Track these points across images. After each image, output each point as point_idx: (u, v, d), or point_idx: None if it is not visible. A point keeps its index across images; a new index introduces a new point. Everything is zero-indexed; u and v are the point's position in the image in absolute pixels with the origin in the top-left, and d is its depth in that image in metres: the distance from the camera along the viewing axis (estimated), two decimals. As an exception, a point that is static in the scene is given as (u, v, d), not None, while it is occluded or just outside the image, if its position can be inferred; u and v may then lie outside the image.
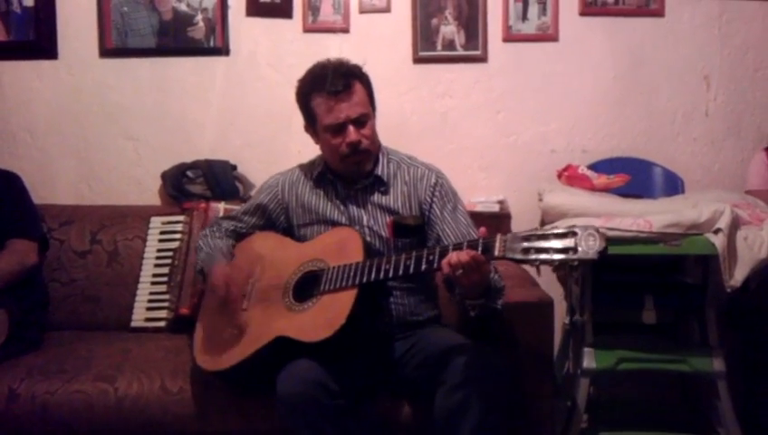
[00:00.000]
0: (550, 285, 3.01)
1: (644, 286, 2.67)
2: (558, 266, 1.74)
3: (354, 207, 2.28)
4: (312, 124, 2.27)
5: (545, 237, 1.72)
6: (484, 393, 1.93)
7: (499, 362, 2.04)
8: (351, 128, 2.17)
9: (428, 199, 2.25)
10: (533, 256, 1.72)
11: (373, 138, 2.24)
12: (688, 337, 2.80)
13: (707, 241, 2.43)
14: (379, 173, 2.27)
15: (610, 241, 2.38)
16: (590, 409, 2.69)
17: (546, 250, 1.71)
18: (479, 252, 1.82)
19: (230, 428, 2.22)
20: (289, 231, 2.37)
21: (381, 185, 2.28)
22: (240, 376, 2.15)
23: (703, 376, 2.66)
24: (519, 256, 1.75)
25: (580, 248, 1.67)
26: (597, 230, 1.68)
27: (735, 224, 2.47)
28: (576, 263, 1.70)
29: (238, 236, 2.41)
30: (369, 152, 2.23)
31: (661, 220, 2.44)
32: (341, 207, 2.28)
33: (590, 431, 2.74)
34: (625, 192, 2.83)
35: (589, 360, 2.59)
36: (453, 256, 1.83)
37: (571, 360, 2.93)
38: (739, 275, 2.44)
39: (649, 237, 2.44)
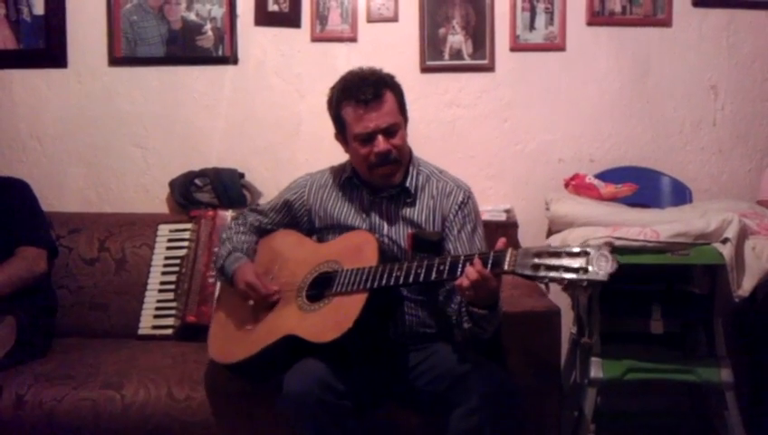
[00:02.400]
0: (557, 294, 3.00)
1: (651, 296, 2.66)
2: (567, 286, 1.74)
3: (377, 216, 2.27)
4: (341, 132, 2.26)
5: (557, 255, 1.71)
6: (499, 417, 1.94)
7: (514, 384, 2.04)
8: (381, 137, 2.16)
9: (451, 217, 2.24)
10: (543, 274, 1.72)
11: (403, 147, 2.23)
12: (696, 347, 2.78)
13: (715, 251, 2.42)
14: (408, 185, 2.25)
15: (618, 250, 2.42)
16: (598, 419, 2.68)
17: (556, 268, 1.70)
18: (489, 265, 1.82)
19: (236, 435, 2.22)
20: (311, 232, 2.38)
21: (408, 196, 2.26)
22: (249, 371, 2.16)
23: (711, 386, 2.65)
24: (528, 272, 1.75)
25: (590, 269, 1.66)
26: (611, 252, 1.67)
27: (743, 234, 2.46)
28: (585, 284, 1.68)
29: (261, 232, 2.42)
30: (398, 162, 2.21)
31: (669, 230, 2.44)
32: (364, 215, 2.28)
33: (598, 441, 2.73)
34: (632, 202, 2.83)
35: (596, 370, 2.58)
36: (462, 278, 1.84)
37: (578, 369, 2.92)
38: (747, 285, 2.43)
39: (657, 247, 2.43)
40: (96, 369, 2.38)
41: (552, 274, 1.71)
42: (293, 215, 2.39)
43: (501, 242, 1.88)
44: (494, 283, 1.87)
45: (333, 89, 2.26)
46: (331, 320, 2.00)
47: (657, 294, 2.69)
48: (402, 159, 2.23)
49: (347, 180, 2.32)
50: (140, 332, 2.77)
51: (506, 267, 1.79)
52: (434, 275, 1.92)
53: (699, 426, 2.95)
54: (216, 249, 2.57)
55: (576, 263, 1.68)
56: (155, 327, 2.77)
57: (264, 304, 2.20)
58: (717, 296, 2.61)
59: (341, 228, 2.28)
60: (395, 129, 2.19)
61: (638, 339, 2.71)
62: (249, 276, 2.21)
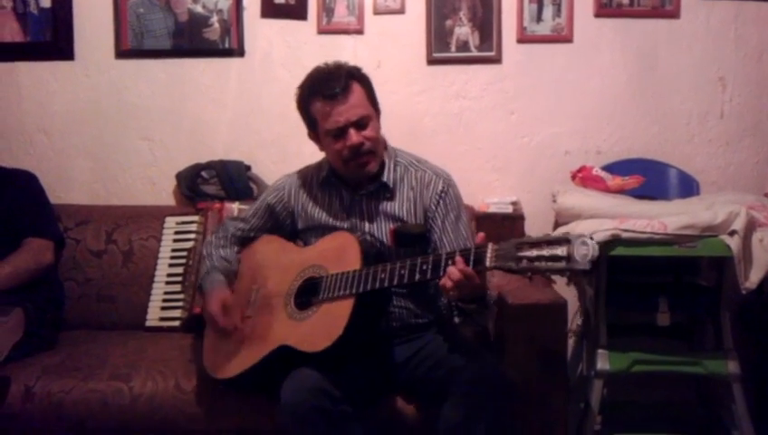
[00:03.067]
0: (563, 286, 3.00)
1: (658, 288, 2.66)
2: (550, 277, 1.74)
3: (358, 214, 2.25)
4: (314, 130, 2.24)
5: (538, 245, 1.71)
6: (491, 407, 1.93)
7: (506, 372, 2.03)
8: (352, 131, 2.14)
9: (433, 207, 2.22)
10: (525, 265, 1.71)
11: (377, 139, 2.20)
12: (703, 339, 2.79)
13: (722, 243, 2.42)
14: (385, 179, 2.23)
15: (625, 243, 2.43)
16: (604, 411, 2.68)
17: (538, 259, 1.69)
18: (471, 262, 1.81)
19: (244, 427, 2.23)
20: (294, 235, 2.37)
21: (387, 191, 2.24)
22: (247, 383, 2.16)
23: (717, 378, 2.65)
24: (511, 266, 1.74)
25: (572, 257, 1.65)
26: (591, 238, 1.65)
27: (751, 226, 2.46)
28: (567, 274, 1.68)
29: (243, 241, 2.41)
30: (373, 153, 2.18)
31: (676, 222, 2.44)
32: (345, 214, 2.26)
33: (604, 433, 2.74)
34: (639, 194, 2.82)
35: (602, 362, 2.58)
36: (444, 279, 1.83)
37: (584, 361, 2.92)
38: (754, 277, 2.43)
39: (664, 239, 2.43)
40: (104, 361, 2.39)
41: (535, 264, 1.70)
42: (276, 218, 2.38)
43: (480, 237, 1.87)
44: (477, 280, 1.85)
45: (301, 87, 2.25)
46: (321, 328, 1.99)
47: (664, 287, 2.69)
48: (377, 149, 2.20)
49: (325, 180, 2.30)
50: (148, 324, 2.78)
51: (488, 263, 1.78)
52: (417, 276, 1.90)
53: (706, 418, 2.95)
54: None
55: (558, 251, 1.67)
56: (162, 319, 2.78)
57: (252, 312, 2.20)
58: (724, 288, 2.62)
59: (324, 229, 2.26)
60: (365, 121, 2.16)
61: (644, 331, 2.71)
62: (212, 306, 2.20)
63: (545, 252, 1.69)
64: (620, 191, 2.81)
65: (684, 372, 2.66)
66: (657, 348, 2.63)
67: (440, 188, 2.23)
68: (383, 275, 1.95)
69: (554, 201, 2.81)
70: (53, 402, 2.24)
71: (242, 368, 2.11)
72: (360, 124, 2.15)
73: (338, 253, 2.10)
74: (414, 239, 2.18)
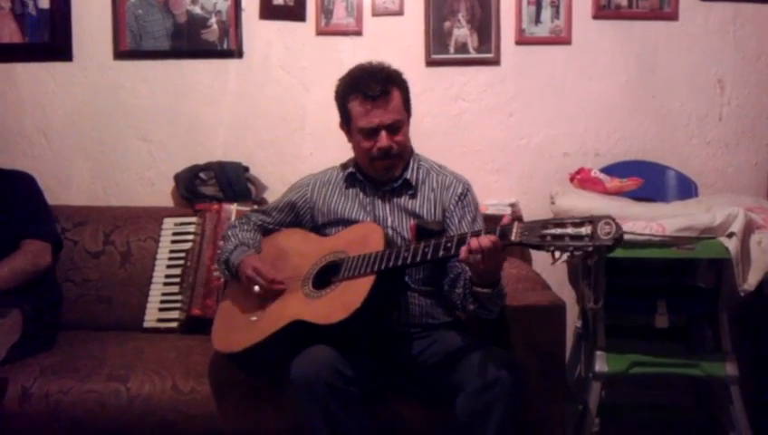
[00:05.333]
0: (562, 288, 3.01)
1: (657, 290, 2.66)
2: (573, 252, 1.75)
3: (380, 209, 2.30)
4: (346, 123, 2.30)
5: (562, 225, 1.75)
6: (505, 396, 1.95)
7: (517, 363, 2.06)
8: (384, 133, 2.21)
9: (452, 207, 2.29)
10: (550, 242, 1.75)
11: (405, 144, 2.28)
12: (701, 341, 2.79)
13: (721, 245, 2.42)
14: (408, 177, 2.30)
15: (623, 245, 2.42)
16: (602, 413, 2.68)
17: (562, 237, 1.73)
18: (497, 235, 1.84)
19: (242, 428, 2.23)
20: (314, 231, 2.39)
21: (409, 189, 2.31)
22: (253, 360, 2.17)
23: (715, 380, 2.65)
24: (535, 241, 1.77)
25: (595, 235, 1.69)
26: (613, 219, 1.69)
27: (749, 228, 2.46)
28: (591, 249, 1.71)
29: (265, 231, 2.45)
30: (399, 158, 2.26)
31: (674, 224, 2.44)
32: (367, 208, 2.31)
33: (602, 435, 2.73)
34: (638, 196, 2.82)
35: (601, 363, 2.58)
36: (473, 241, 1.85)
37: (582, 363, 2.92)
38: (753, 279, 2.43)
39: (662, 241, 2.43)
40: (101, 362, 2.38)
41: (559, 242, 1.74)
42: (297, 214, 2.42)
43: (506, 218, 1.91)
44: (503, 255, 1.89)
45: (342, 80, 2.30)
46: (339, 302, 2.02)
47: (662, 289, 2.69)
48: (403, 154, 2.28)
49: (349, 175, 2.35)
50: (145, 325, 2.78)
51: (513, 238, 1.82)
52: (441, 252, 1.94)
53: (704, 420, 2.95)
54: (220, 243, 2.58)
55: (582, 230, 1.71)
56: (160, 320, 2.78)
57: (270, 296, 2.20)
58: (723, 291, 2.62)
59: (344, 222, 2.31)
60: (398, 125, 2.23)
61: (642, 333, 2.71)
62: (256, 262, 2.24)
63: (570, 231, 1.73)
64: (619, 193, 2.81)
65: (682, 374, 2.66)
66: (656, 350, 2.63)
67: (459, 190, 2.31)
68: (406, 254, 1.99)
69: (553, 203, 2.81)
70: (51, 403, 2.24)
71: (252, 341, 2.12)
72: (393, 128, 2.22)
73: (362, 239, 2.15)
74: (434, 236, 2.20)
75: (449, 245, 1.93)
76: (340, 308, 1.99)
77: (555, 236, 1.74)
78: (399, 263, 1.99)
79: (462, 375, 2.01)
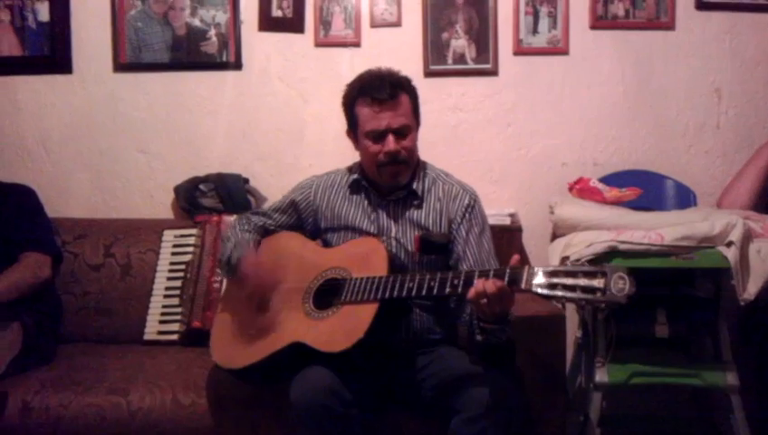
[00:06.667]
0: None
1: (656, 300, 2.66)
2: (584, 307, 1.69)
3: (384, 218, 2.28)
4: (353, 129, 2.28)
5: (573, 274, 1.70)
6: (500, 425, 1.93)
7: (516, 391, 2.03)
8: (391, 137, 2.18)
9: (458, 219, 2.25)
10: (560, 293, 1.70)
11: (413, 150, 2.24)
12: (701, 351, 2.78)
13: (720, 254, 2.42)
14: (414, 187, 2.27)
15: (622, 254, 2.43)
16: (603, 423, 2.67)
17: (573, 288, 1.68)
18: (506, 282, 1.80)
19: (242, 441, 2.22)
20: (315, 234, 2.38)
21: (415, 199, 2.28)
22: (254, 376, 2.16)
23: (716, 390, 2.65)
24: (545, 292, 1.72)
25: (608, 291, 1.64)
26: (627, 273, 1.64)
27: (748, 236, 2.46)
28: (603, 305, 1.66)
29: (265, 232, 2.42)
30: (406, 164, 2.23)
31: (673, 233, 2.44)
32: (372, 217, 2.29)
33: (603, 446, 2.72)
34: (636, 205, 2.82)
35: (601, 374, 2.58)
36: (479, 285, 1.81)
37: (583, 374, 2.91)
38: (752, 289, 2.43)
39: (661, 250, 2.44)
40: (102, 375, 2.38)
41: (570, 294, 1.68)
42: (299, 215, 2.39)
43: (514, 259, 1.86)
44: (511, 299, 1.84)
45: (350, 86, 2.29)
46: (341, 330, 1.99)
47: (661, 298, 2.68)
48: (410, 161, 2.24)
49: (354, 182, 2.33)
50: (146, 337, 2.77)
51: (523, 286, 1.77)
52: (448, 289, 1.90)
53: (705, 430, 2.94)
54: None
55: (593, 283, 1.66)
56: (160, 333, 2.77)
57: (267, 305, 2.19)
58: (722, 300, 2.61)
59: (348, 229, 2.29)
60: (406, 130, 2.21)
61: (643, 343, 2.71)
62: (255, 258, 2.23)
63: (581, 282, 1.68)
64: (617, 203, 2.81)
65: (683, 384, 2.65)
66: (656, 360, 2.62)
67: (466, 202, 2.27)
68: (411, 285, 1.96)
69: (552, 213, 2.81)
70: (51, 417, 2.23)
71: (251, 360, 2.10)
72: (401, 133, 2.20)
73: (363, 257, 2.12)
74: (438, 248, 2.20)
75: (456, 282, 1.89)
76: (342, 337, 1.96)
77: (566, 287, 1.69)
78: (404, 294, 1.96)
79: (459, 399, 1.98)
